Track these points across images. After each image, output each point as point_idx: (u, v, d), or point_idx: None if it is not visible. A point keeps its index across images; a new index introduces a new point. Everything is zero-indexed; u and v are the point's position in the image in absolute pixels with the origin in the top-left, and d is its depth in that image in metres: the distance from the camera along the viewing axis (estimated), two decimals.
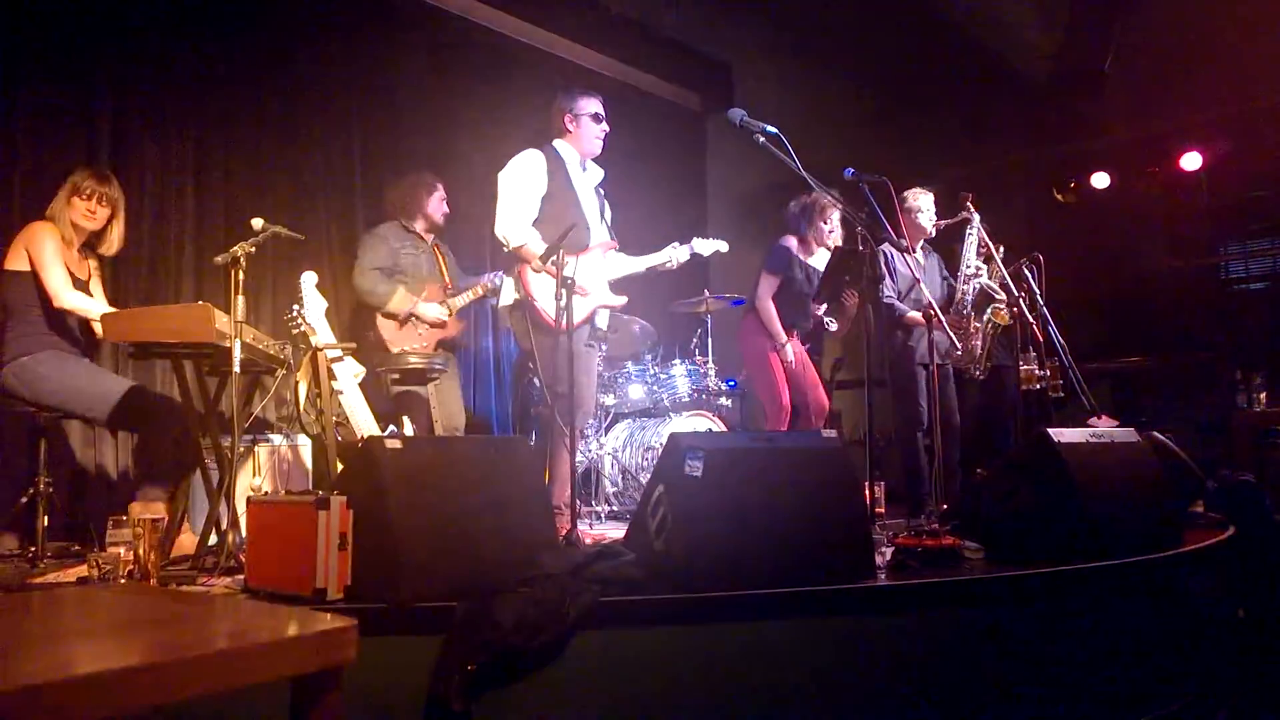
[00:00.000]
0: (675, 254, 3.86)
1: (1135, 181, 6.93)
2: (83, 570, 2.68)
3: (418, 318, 4.18)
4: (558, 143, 3.70)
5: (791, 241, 4.45)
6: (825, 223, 4.42)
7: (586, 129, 3.70)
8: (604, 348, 4.87)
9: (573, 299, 3.38)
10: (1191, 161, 6.66)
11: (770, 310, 4.35)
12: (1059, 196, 7.17)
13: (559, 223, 3.51)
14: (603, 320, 3.84)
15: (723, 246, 3.97)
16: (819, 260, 4.49)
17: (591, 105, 3.71)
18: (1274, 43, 5.45)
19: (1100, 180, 7.02)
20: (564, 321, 3.15)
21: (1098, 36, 5.66)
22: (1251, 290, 6.92)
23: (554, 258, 3.21)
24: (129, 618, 1.38)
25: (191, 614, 1.44)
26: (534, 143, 3.70)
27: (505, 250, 3.57)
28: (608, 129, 3.75)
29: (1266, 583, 3.91)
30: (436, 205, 4.35)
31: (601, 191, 3.87)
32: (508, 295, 3.60)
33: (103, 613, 1.44)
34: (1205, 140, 6.59)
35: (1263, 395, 5.81)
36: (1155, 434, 3.96)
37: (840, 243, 4.45)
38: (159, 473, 3.15)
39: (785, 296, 4.39)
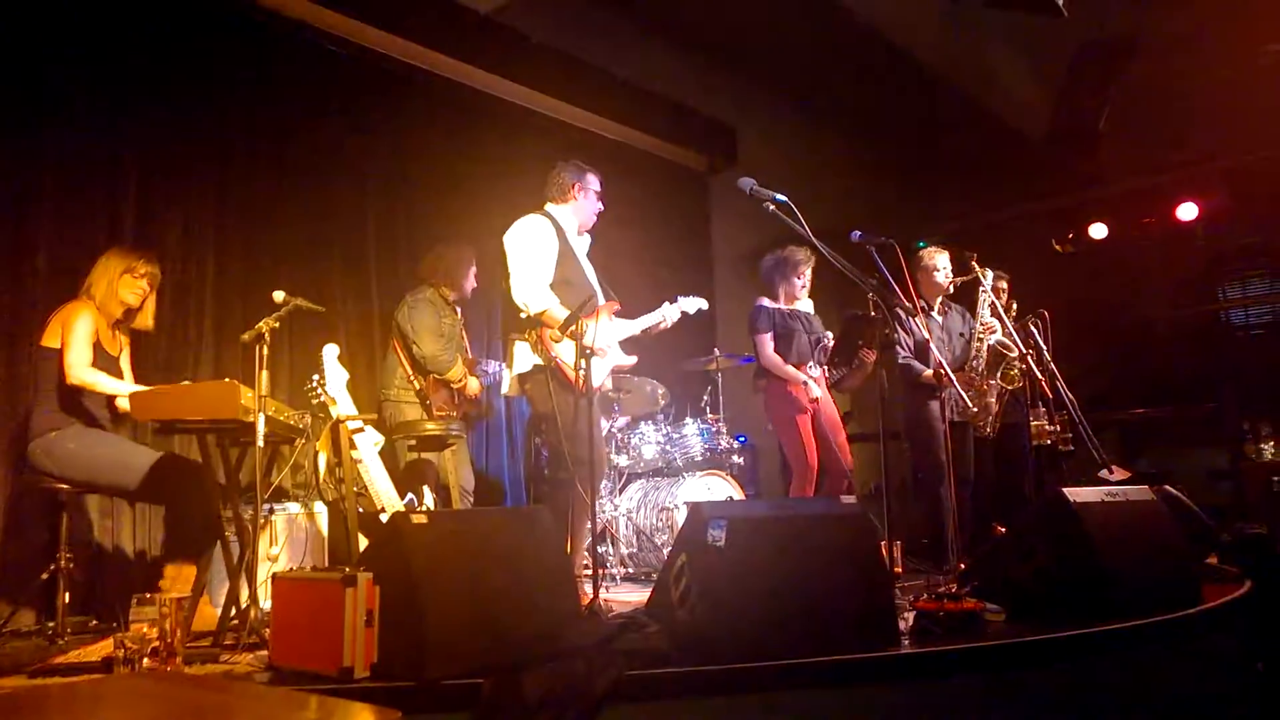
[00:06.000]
0: (668, 312, 3.98)
1: (1132, 232, 7.05)
2: (105, 647, 2.68)
3: (463, 389, 4.24)
4: (554, 209, 3.78)
5: (764, 301, 4.56)
6: (799, 278, 4.52)
7: (591, 203, 3.84)
8: (617, 408, 4.92)
9: (594, 362, 3.43)
10: (1187, 211, 6.79)
11: (777, 360, 4.43)
12: (1058, 248, 7.29)
13: (570, 286, 3.60)
14: (609, 381, 3.90)
15: (703, 304, 4.13)
16: (802, 305, 4.59)
17: (596, 182, 3.86)
18: (1263, 98, 5.60)
19: (1098, 231, 7.14)
20: (588, 386, 3.19)
21: (1092, 95, 5.81)
22: (1253, 336, 6.99)
23: (573, 326, 3.25)
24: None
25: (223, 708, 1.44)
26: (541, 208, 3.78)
27: (523, 316, 3.58)
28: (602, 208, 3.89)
29: None
30: (471, 279, 4.46)
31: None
32: (524, 362, 3.61)
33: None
34: (1200, 191, 6.72)
35: (1270, 443, 5.84)
36: (1167, 487, 3.99)
37: (807, 294, 4.58)
38: (186, 545, 3.16)
39: (783, 345, 4.46)
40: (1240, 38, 5.29)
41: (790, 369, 4.39)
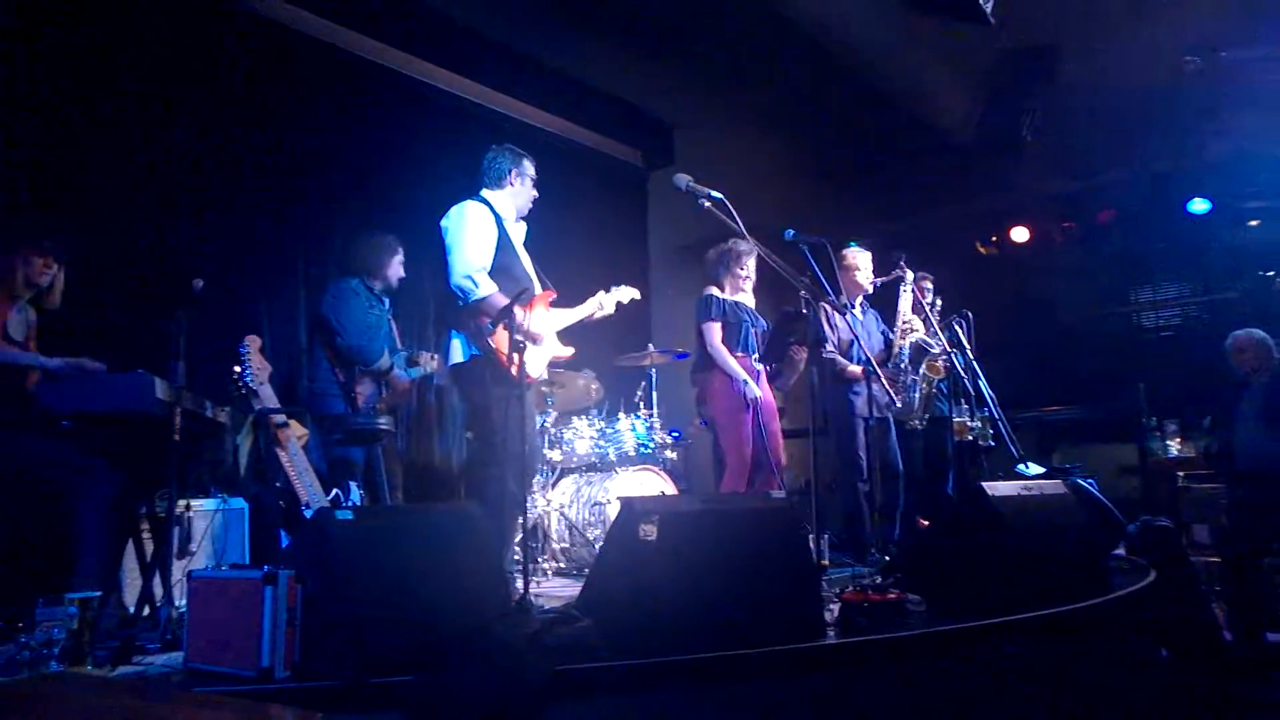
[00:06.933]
0: (603, 301, 3.96)
1: (1053, 236, 7.33)
2: (8, 649, 2.55)
3: (390, 382, 4.16)
4: (491, 195, 3.71)
5: (713, 289, 4.59)
6: (742, 269, 4.56)
7: (528, 190, 3.79)
8: (551, 401, 4.89)
9: (530, 353, 3.40)
10: (1102, 217, 7.09)
11: (724, 352, 4.44)
12: (981, 250, 7.54)
13: (507, 274, 3.54)
14: (546, 373, 3.89)
15: (635, 294, 4.12)
16: (745, 299, 4.64)
17: (532, 169, 3.81)
18: (1180, 108, 5.87)
19: (1020, 235, 7.40)
20: (521, 377, 3.16)
21: (1016, 104, 6.01)
22: (1162, 338, 7.34)
23: (507, 316, 3.21)
24: None
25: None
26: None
27: (462, 304, 3.49)
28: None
29: (1185, 623, 4.11)
30: (396, 269, 4.36)
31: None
32: (460, 353, 3.53)
33: None
34: (1116, 197, 7.03)
35: (1176, 440, 6.14)
36: (1079, 482, 4.16)
37: (753, 285, 4.63)
38: (94, 545, 3.03)
39: (731, 335, 4.49)
40: (1161, 49, 5.53)
41: (734, 362, 4.42)
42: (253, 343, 3.40)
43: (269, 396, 3.33)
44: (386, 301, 4.39)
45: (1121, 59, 5.61)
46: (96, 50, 4.16)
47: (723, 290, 4.58)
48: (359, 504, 3.63)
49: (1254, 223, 6.59)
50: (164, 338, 2.96)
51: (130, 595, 3.23)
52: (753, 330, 4.52)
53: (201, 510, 3.70)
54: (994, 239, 7.53)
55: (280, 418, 3.32)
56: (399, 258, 4.36)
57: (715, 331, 4.47)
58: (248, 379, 3.30)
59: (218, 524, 3.70)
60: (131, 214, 4.28)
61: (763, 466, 4.45)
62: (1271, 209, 6.49)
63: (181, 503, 3.57)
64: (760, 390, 4.45)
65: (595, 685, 2.27)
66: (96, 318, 4.12)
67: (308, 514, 3.22)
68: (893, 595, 2.92)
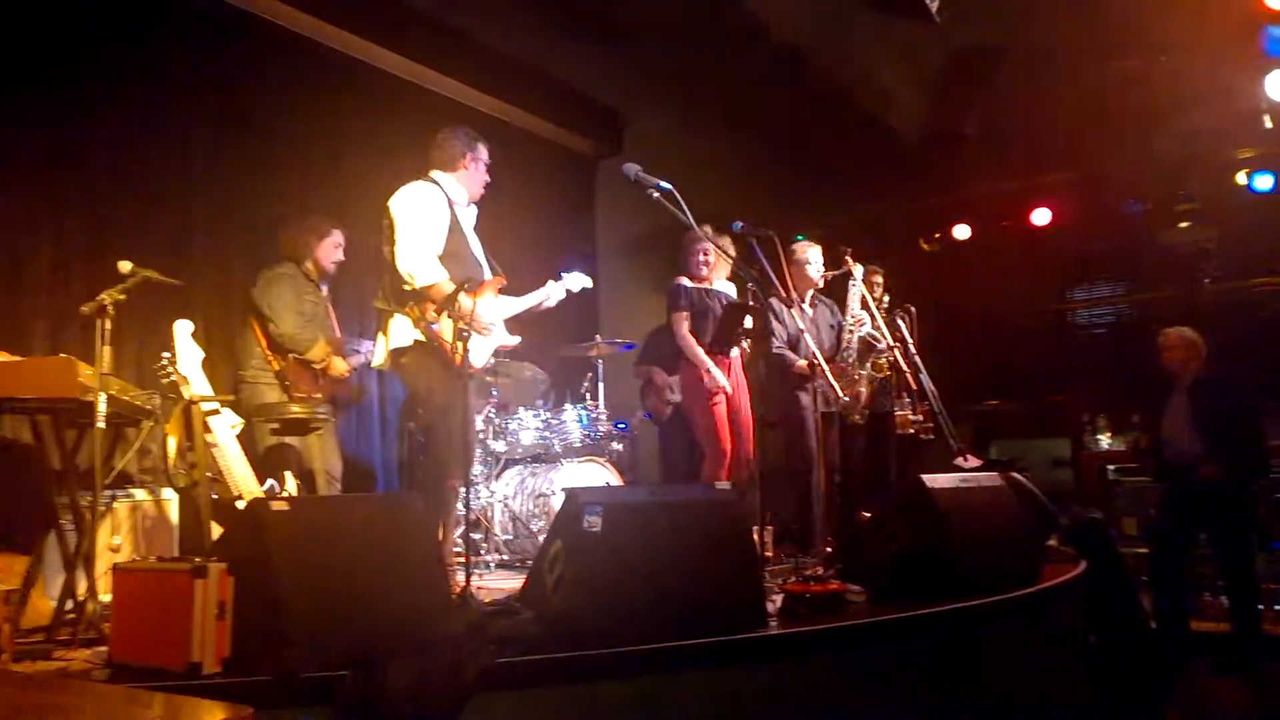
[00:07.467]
0: (552, 290, 3.88)
1: (992, 234, 7.49)
2: None
3: (326, 370, 4.05)
4: (442, 177, 3.59)
5: (683, 279, 4.59)
6: (693, 257, 4.55)
7: (481, 174, 3.69)
8: (495, 392, 4.84)
9: (477, 341, 3.34)
10: (1041, 217, 7.26)
11: (691, 342, 4.43)
12: (925, 246, 7.66)
13: (457, 260, 3.45)
14: (491, 361, 3.82)
15: (588, 282, 4.04)
16: (723, 285, 4.63)
17: (485, 153, 3.71)
18: (1113, 112, 6.03)
19: (962, 232, 7.54)
20: (465, 366, 3.11)
21: (961, 102, 6.11)
22: (1095, 336, 7.57)
23: (452, 304, 3.15)
24: None
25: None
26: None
27: (407, 289, 3.37)
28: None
29: (1114, 611, 4.25)
30: (329, 251, 4.24)
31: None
32: (403, 336, 3.41)
33: None
34: (1053, 197, 7.21)
35: (1107, 434, 6.34)
36: (1014, 475, 4.26)
37: (713, 270, 4.62)
38: (15, 534, 2.90)
39: (699, 325, 4.47)
40: (1095, 54, 5.66)
41: (700, 353, 4.39)
42: (183, 327, 3.28)
43: (200, 383, 3.22)
44: (324, 288, 4.28)
45: (1064, 60, 5.73)
46: (23, 29, 3.96)
47: (692, 278, 4.56)
48: (294, 495, 3.54)
49: (1184, 224, 6.81)
50: (90, 322, 2.83)
51: (53, 588, 3.10)
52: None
53: (128, 501, 3.57)
54: (937, 236, 7.66)
55: (212, 405, 3.21)
56: (332, 240, 4.24)
57: (682, 322, 4.45)
58: (179, 365, 3.19)
59: (145, 515, 3.57)
60: (60, 196, 4.11)
61: (731, 460, 4.44)
62: (1202, 211, 6.72)
63: (107, 493, 3.44)
64: (726, 380, 4.44)
65: (536, 678, 2.25)
66: (21, 301, 3.95)
67: (240, 505, 3.14)
68: (834, 586, 2.96)
